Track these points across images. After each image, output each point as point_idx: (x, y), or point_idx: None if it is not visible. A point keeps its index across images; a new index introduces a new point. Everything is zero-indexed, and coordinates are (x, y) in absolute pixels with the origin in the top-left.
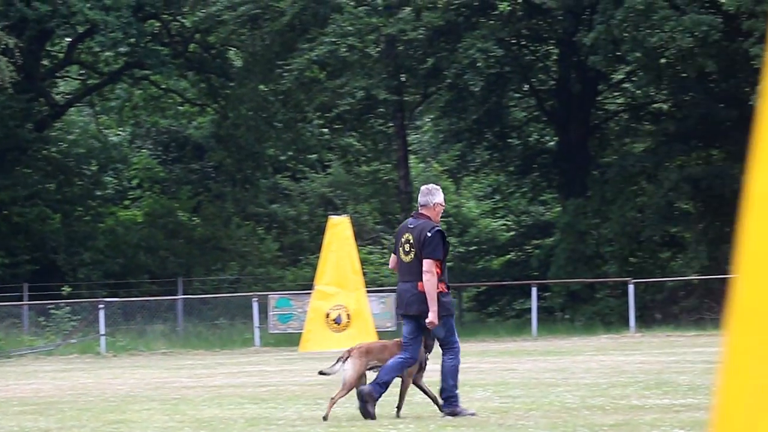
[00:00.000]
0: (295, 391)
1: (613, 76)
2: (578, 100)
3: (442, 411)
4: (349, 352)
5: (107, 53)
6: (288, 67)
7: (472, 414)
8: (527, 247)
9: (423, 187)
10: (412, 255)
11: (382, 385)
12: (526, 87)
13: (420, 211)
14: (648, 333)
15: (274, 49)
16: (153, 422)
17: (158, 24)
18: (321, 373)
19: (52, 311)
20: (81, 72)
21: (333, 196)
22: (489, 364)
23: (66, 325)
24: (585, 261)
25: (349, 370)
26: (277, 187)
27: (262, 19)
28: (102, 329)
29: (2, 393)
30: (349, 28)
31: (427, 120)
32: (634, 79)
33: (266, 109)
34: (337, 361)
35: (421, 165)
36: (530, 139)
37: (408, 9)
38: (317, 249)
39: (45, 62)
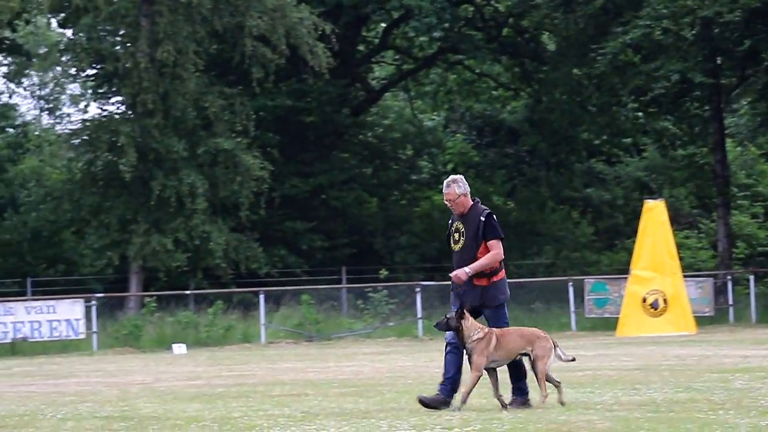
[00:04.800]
0: (612, 375)
1: None
2: None
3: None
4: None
5: (422, 38)
6: (602, 51)
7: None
8: None
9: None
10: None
11: None
12: None
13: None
14: None
15: (588, 33)
16: (467, 406)
17: (472, 8)
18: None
19: (370, 294)
20: (396, 57)
21: (648, 180)
22: None
23: (383, 308)
24: None
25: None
26: (592, 171)
27: (575, 3)
28: (419, 312)
29: (323, 374)
30: (664, 10)
31: (744, 103)
32: None
33: (580, 92)
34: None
35: (738, 149)
36: None
37: None
38: (632, 233)
39: (361, 48)
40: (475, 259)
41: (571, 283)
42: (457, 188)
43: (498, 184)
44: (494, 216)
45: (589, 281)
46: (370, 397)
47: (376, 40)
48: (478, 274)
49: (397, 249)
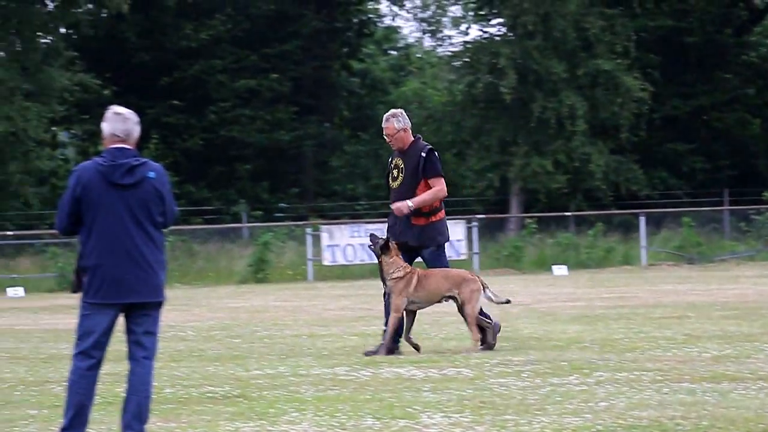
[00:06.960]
0: None
1: None
2: None
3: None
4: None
5: None
6: None
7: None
8: None
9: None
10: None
11: None
12: None
13: None
14: None
15: None
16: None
17: None
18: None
19: (753, 216)
20: None
21: None
22: None
23: (767, 230)
24: None
25: None
26: None
27: None
28: None
29: (705, 297)
30: None
31: None
32: None
33: None
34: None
35: None
36: None
37: None
38: None
39: None
40: (415, 196)
41: None
42: (396, 123)
43: None
44: (436, 152)
45: None
46: (754, 320)
47: None
48: (416, 213)
49: None
